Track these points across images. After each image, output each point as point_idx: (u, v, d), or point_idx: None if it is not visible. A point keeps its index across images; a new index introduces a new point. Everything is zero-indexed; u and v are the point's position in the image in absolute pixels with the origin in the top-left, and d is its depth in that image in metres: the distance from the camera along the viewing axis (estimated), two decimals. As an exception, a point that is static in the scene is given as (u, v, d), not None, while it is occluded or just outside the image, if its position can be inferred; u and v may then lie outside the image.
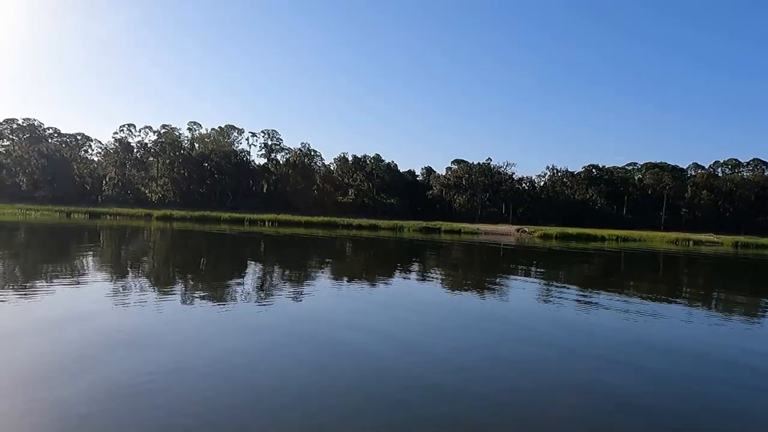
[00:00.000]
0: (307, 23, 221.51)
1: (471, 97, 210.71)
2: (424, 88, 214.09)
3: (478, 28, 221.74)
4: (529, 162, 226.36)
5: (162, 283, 15.55)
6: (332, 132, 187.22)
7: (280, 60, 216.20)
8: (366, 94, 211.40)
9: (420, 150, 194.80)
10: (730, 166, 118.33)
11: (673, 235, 64.14)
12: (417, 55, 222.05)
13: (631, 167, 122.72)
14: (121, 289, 13.88)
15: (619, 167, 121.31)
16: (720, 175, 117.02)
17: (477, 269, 25.75)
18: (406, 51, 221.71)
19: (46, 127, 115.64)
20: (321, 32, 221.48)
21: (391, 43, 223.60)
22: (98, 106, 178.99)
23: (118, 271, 18.01)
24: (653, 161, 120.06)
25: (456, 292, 17.38)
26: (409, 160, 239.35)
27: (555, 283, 19.88)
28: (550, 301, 15.42)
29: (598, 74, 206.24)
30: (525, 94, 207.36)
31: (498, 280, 20.75)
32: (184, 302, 12.32)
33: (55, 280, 14.46)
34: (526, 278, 21.33)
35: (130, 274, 17.46)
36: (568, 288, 18.47)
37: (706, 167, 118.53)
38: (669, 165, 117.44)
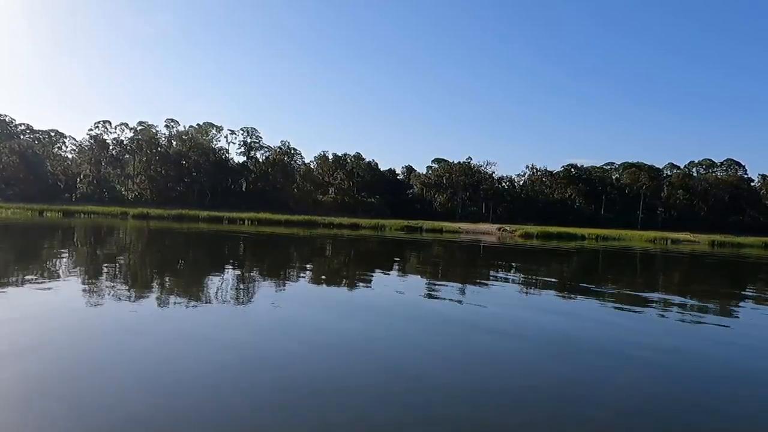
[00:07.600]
0: (289, 17, 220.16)
1: (454, 95, 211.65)
2: (406, 86, 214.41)
3: (461, 25, 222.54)
4: (510, 161, 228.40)
5: (136, 284, 14.99)
6: (312, 131, 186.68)
7: (259, 57, 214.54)
8: (346, 93, 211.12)
9: (400, 149, 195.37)
10: (704, 166, 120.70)
11: (652, 234, 65.05)
12: (401, 54, 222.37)
13: (609, 167, 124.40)
14: (86, 291, 13.31)
15: (597, 167, 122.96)
16: (695, 175, 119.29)
17: (480, 266, 25.58)
18: (390, 50, 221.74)
19: (18, 123, 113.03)
20: (301, 28, 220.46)
21: (376, 42, 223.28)
22: (72, 102, 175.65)
23: (86, 272, 17.35)
24: (630, 161, 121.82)
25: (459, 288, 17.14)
26: (389, 159, 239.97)
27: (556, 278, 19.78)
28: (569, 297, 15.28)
29: (581, 70, 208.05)
30: (510, 92, 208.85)
31: (506, 275, 20.59)
32: (160, 304, 11.83)
33: (16, 282, 13.82)
34: (542, 275, 21.22)
35: (100, 275, 16.83)
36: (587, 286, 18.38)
37: (682, 167, 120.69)
38: (646, 165, 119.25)
